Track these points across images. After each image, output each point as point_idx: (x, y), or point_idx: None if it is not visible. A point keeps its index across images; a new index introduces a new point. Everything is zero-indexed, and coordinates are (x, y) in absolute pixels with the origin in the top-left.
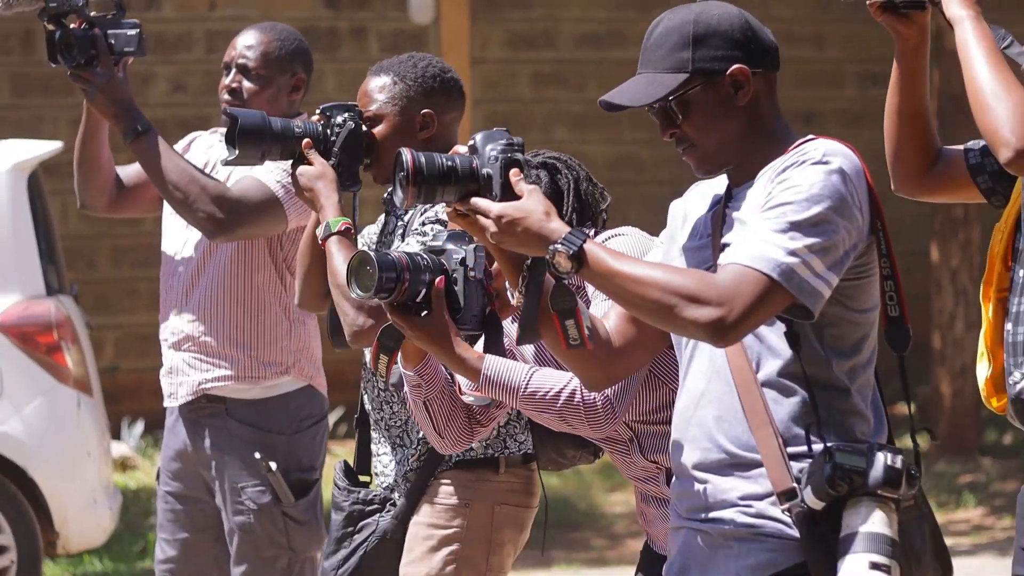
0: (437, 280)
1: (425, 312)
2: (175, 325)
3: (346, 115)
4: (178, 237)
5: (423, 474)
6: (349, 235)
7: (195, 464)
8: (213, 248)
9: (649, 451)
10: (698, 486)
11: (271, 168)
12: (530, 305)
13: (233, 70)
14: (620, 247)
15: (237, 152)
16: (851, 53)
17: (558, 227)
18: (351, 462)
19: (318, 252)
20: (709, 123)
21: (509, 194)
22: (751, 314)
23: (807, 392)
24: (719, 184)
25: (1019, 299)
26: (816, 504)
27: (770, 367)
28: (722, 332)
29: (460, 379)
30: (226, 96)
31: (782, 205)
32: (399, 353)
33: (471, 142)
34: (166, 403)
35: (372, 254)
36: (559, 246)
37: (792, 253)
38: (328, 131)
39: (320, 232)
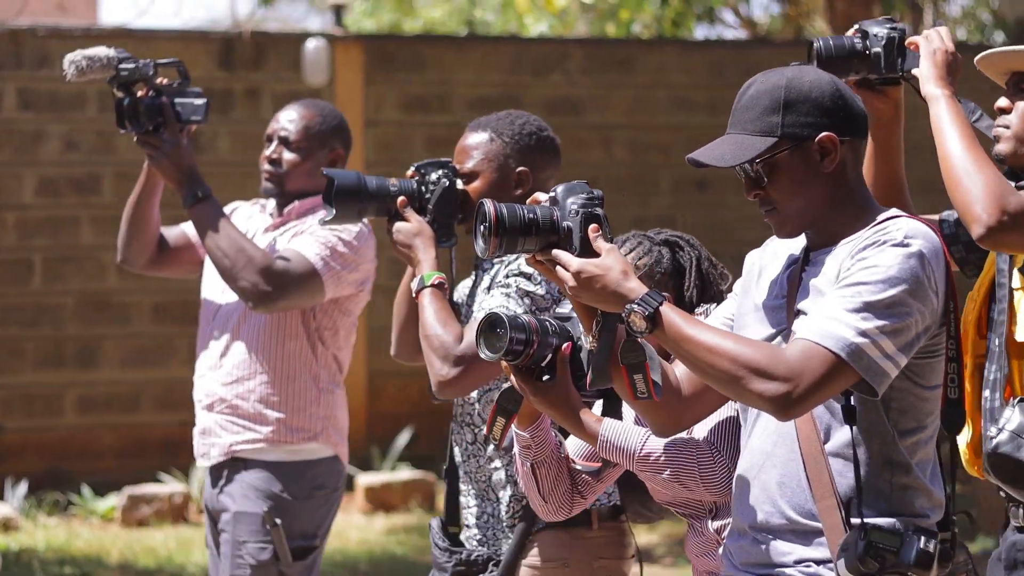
0: (564, 346)
1: (547, 377)
2: (208, 387)
3: (440, 172)
4: (216, 301)
5: (520, 535)
6: (443, 289)
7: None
8: (247, 314)
9: (720, 515)
10: (757, 545)
11: (311, 241)
12: (603, 350)
13: (275, 142)
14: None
15: (335, 212)
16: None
17: (636, 287)
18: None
19: (412, 306)
20: (794, 188)
21: (587, 248)
22: (816, 391)
23: (855, 464)
24: (797, 241)
25: (995, 366)
26: None
27: (838, 438)
28: (786, 407)
29: (570, 448)
30: (267, 166)
31: (858, 285)
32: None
33: (552, 193)
34: (199, 463)
35: (504, 316)
36: (635, 306)
37: (863, 333)
38: (423, 188)
39: (415, 285)
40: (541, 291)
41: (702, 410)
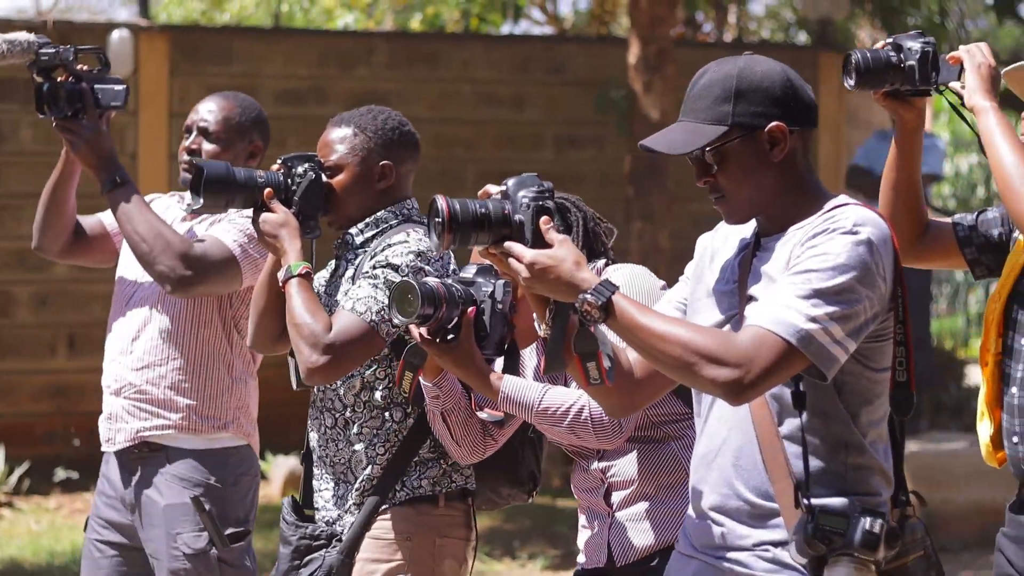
0: (469, 310)
1: (452, 337)
2: (118, 372)
3: (306, 165)
4: (130, 286)
5: (367, 510)
6: (309, 278)
7: (131, 512)
8: (163, 300)
9: (607, 457)
10: (715, 527)
11: (229, 228)
12: (556, 337)
13: (194, 132)
14: (619, 279)
15: (202, 201)
16: (550, 116)
17: (588, 277)
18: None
19: (273, 296)
20: (743, 176)
21: (539, 240)
22: (767, 377)
23: (803, 448)
24: (748, 225)
25: (1021, 365)
26: (799, 559)
27: (792, 423)
28: (738, 392)
29: (476, 397)
30: (185, 157)
31: (808, 272)
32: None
33: (503, 187)
34: (104, 448)
35: (415, 283)
36: (588, 296)
37: (812, 320)
38: (289, 180)
39: (281, 275)
40: None
41: (654, 391)
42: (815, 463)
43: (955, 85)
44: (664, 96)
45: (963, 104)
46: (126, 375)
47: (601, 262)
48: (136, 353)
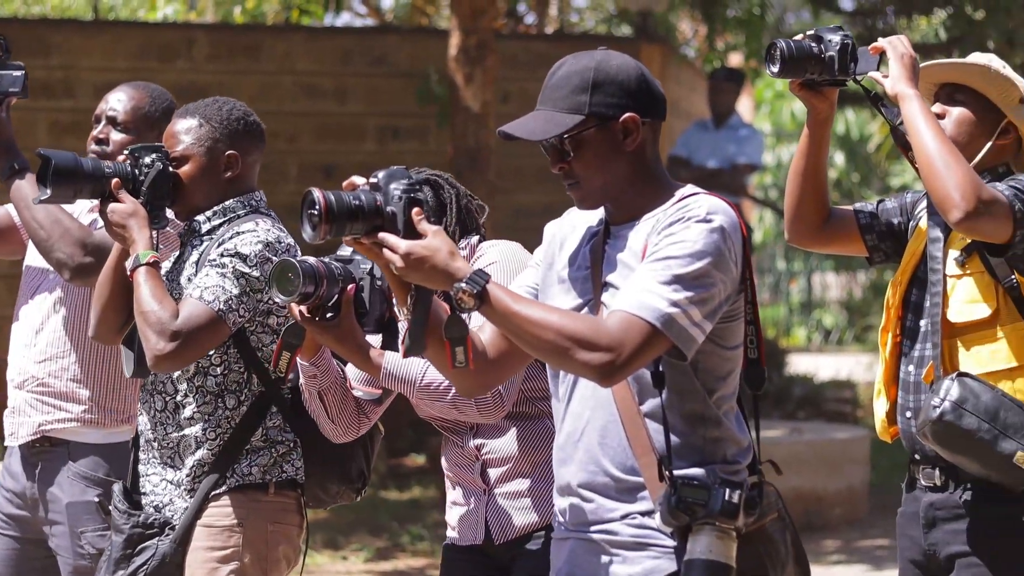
0: (348, 287)
1: (331, 315)
2: (21, 365)
3: (154, 156)
4: (36, 278)
5: (198, 497)
6: (157, 267)
7: (33, 507)
8: (67, 291)
9: (481, 434)
10: (585, 504)
11: None
12: (417, 322)
13: (103, 122)
14: (494, 255)
15: (50, 192)
16: (372, 107)
17: (462, 266)
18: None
19: (118, 286)
20: (597, 163)
21: (411, 230)
22: (636, 358)
23: (664, 424)
24: (594, 213)
25: (925, 345)
26: (665, 528)
27: (652, 401)
28: (610, 375)
29: (350, 375)
30: (94, 146)
31: (668, 259)
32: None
33: (373, 179)
34: (7, 442)
35: (295, 262)
36: (463, 285)
37: (674, 304)
38: (136, 171)
39: (129, 264)
40: (256, 273)
41: (507, 372)
42: (676, 438)
43: (876, 75)
44: (485, 87)
45: (871, 93)
46: (29, 368)
47: (475, 238)
48: (39, 346)
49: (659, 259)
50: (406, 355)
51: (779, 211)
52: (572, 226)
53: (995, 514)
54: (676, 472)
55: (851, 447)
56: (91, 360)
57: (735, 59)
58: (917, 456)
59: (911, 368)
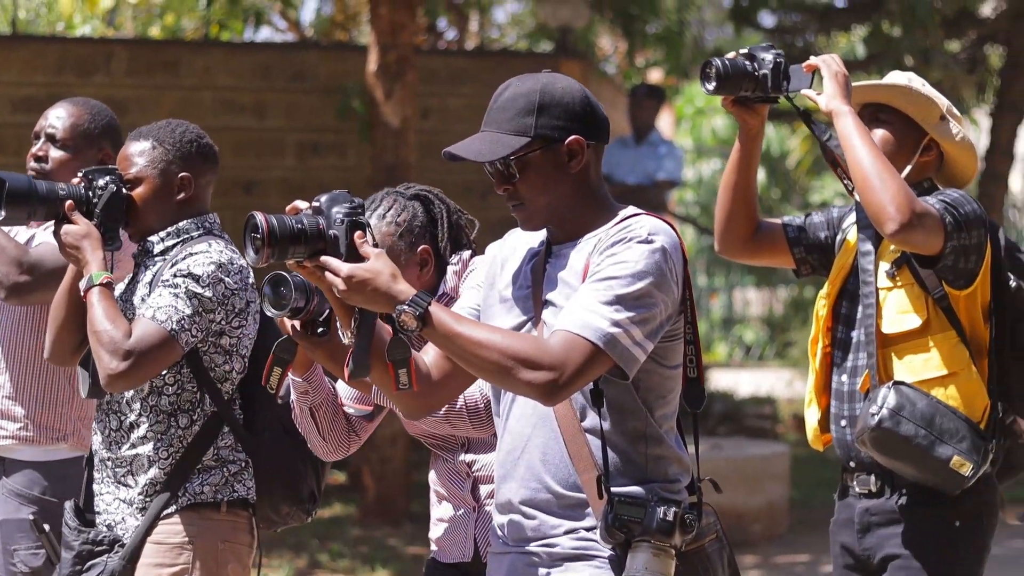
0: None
1: (322, 330)
2: None
3: (107, 178)
4: None
5: (150, 515)
6: (111, 288)
7: None
8: (3, 309)
9: (472, 450)
10: (527, 521)
11: None
12: (361, 345)
13: (42, 139)
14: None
15: (3, 214)
16: (292, 122)
17: (405, 288)
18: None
19: (72, 307)
20: (542, 185)
21: (353, 254)
22: (579, 378)
23: (602, 442)
24: (537, 234)
25: (858, 355)
26: (604, 544)
27: (593, 418)
28: (553, 394)
29: (341, 392)
30: (33, 164)
31: (610, 279)
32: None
33: (315, 203)
34: None
35: (287, 275)
36: (406, 307)
37: (616, 324)
38: (90, 193)
39: (83, 285)
40: (208, 294)
41: (452, 392)
42: (617, 455)
43: (809, 92)
44: (405, 103)
45: (801, 109)
46: None
47: (466, 253)
48: None
49: (601, 279)
50: (350, 379)
51: (700, 227)
52: (513, 247)
53: (928, 517)
54: (615, 489)
55: (771, 463)
56: (25, 378)
57: (655, 75)
58: (852, 464)
59: (844, 378)
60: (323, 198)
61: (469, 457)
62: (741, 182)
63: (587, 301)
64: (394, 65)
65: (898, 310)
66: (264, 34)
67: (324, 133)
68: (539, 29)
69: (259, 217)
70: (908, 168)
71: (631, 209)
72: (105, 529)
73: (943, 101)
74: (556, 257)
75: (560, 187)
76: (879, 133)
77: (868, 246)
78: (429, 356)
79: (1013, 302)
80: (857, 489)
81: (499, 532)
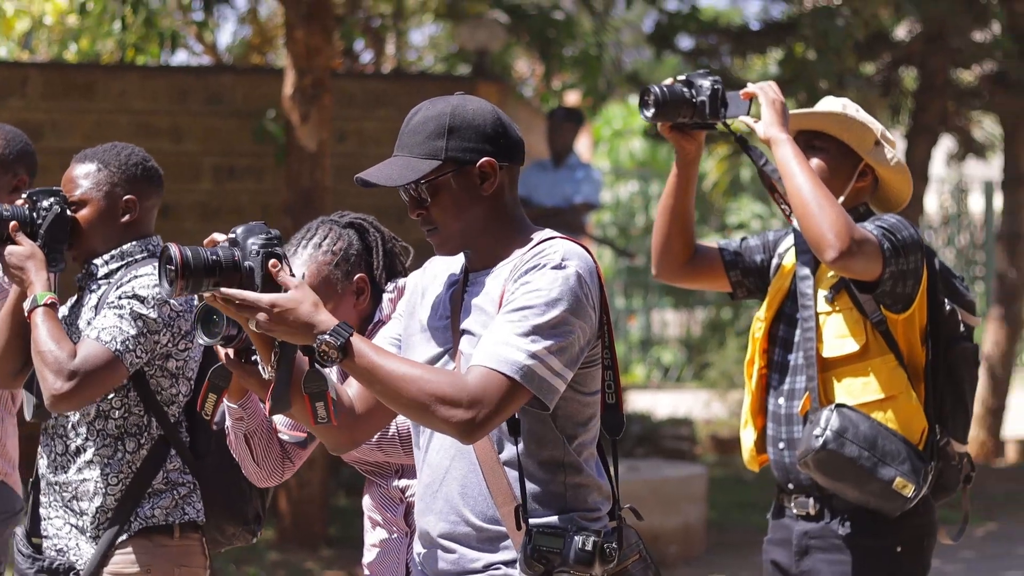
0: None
1: (256, 358)
2: None
3: (52, 199)
4: None
5: (104, 544)
6: (55, 308)
7: None
8: None
9: (406, 475)
10: (446, 555)
11: None
12: (281, 379)
13: None
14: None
15: None
16: (208, 146)
17: (326, 319)
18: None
19: (16, 329)
20: (455, 209)
21: (270, 285)
22: (497, 414)
23: (520, 472)
24: (456, 261)
25: (797, 378)
26: None
27: (511, 449)
28: (470, 432)
29: (276, 419)
30: None
31: (524, 309)
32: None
33: (231, 235)
34: None
35: None
36: (327, 337)
37: (532, 355)
38: (35, 214)
39: (27, 305)
40: (153, 315)
41: (375, 426)
42: (536, 485)
43: (747, 119)
44: (321, 127)
45: (737, 135)
46: None
47: (402, 281)
48: None
49: (515, 309)
50: (271, 413)
51: (618, 249)
52: (433, 275)
53: (872, 547)
54: (534, 520)
55: (688, 485)
56: None
57: (572, 98)
58: (790, 486)
59: (781, 400)
60: (239, 229)
61: (403, 483)
62: (678, 207)
63: (502, 333)
64: (310, 88)
65: (837, 334)
66: (180, 58)
67: (240, 157)
68: (456, 52)
69: (173, 249)
70: (844, 194)
71: (546, 233)
72: (56, 554)
73: (877, 126)
74: (473, 284)
75: (473, 210)
76: (815, 161)
77: (806, 271)
78: (353, 389)
79: (947, 325)
80: (795, 511)
81: (419, 562)
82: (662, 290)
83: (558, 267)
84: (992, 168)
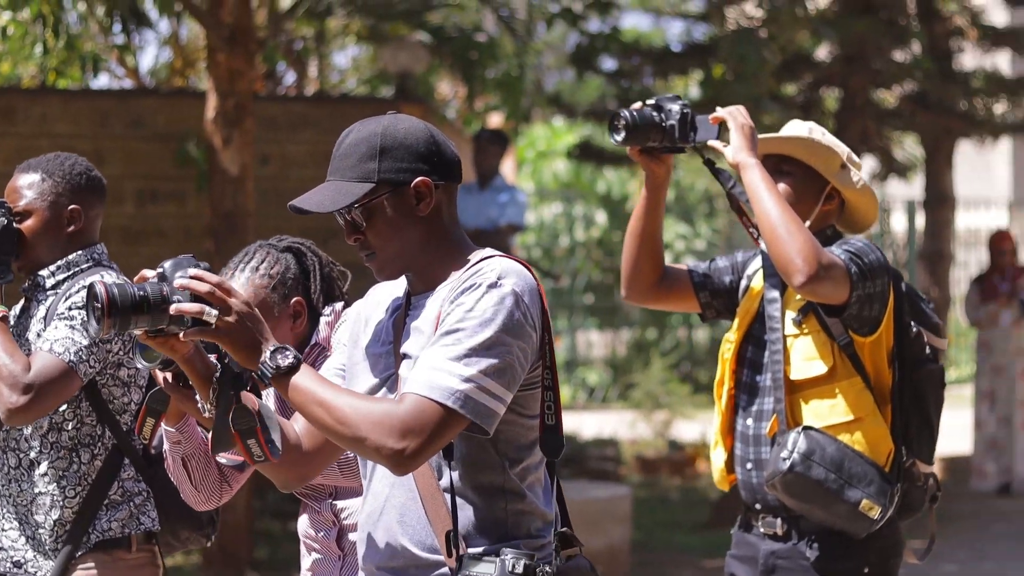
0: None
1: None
2: None
3: None
4: None
5: (62, 559)
6: (6, 321)
7: None
8: None
9: (340, 497)
10: None
11: None
12: (221, 417)
13: None
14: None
15: None
16: (130, 170)
17: (272, 339)
18: None
19: None
20: (391, 232)
21: (198, 323)
22: (431, 444)
23: (452, 498)
24: (399, 287)
25: (765, 399)
26: None
27: (450, 475)
28: (403, 463)
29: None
30: None
31: (457, 331)
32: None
33: (160, 269)
34: None
35: None
36: (267, 360)
37: (467, 380)
38: None
39: None
40: None
41: (324, 461)
42: (475, 512)
43: (716, 143)
44: (243, 150)
45: (704, 158)
46: None
47: (339, 304)
48: None
49: (448, 332)
50: (213, 453)
51: (542, 270)
52: (376, 302)
53: (839, 569)
54: (471, 549)
55: (613, 505)
56: None
57: (495, 120)
58: (758, 505)
59: (749, 421)
60: (167, 264)
61: (338, 505)
62: (647, 229)
63: (435, 358)
64: (232, 112)
65: (804, 357)
66: (102, 81)
67: (163, 180)
68: (379, 74)
69: (99, 287)
70: (811, 217)
71: (485, 252)
72: (12, 567)
73: (843, 149)
74: (415, 308)
75: (410, 232)
76: (781, 185)
77: (774, 293)
78: (299, 425)
79: (913, 348)
80: (762, 530)
81: None
82: (587, 311)
83: (493, 286)
84: (914, 188)
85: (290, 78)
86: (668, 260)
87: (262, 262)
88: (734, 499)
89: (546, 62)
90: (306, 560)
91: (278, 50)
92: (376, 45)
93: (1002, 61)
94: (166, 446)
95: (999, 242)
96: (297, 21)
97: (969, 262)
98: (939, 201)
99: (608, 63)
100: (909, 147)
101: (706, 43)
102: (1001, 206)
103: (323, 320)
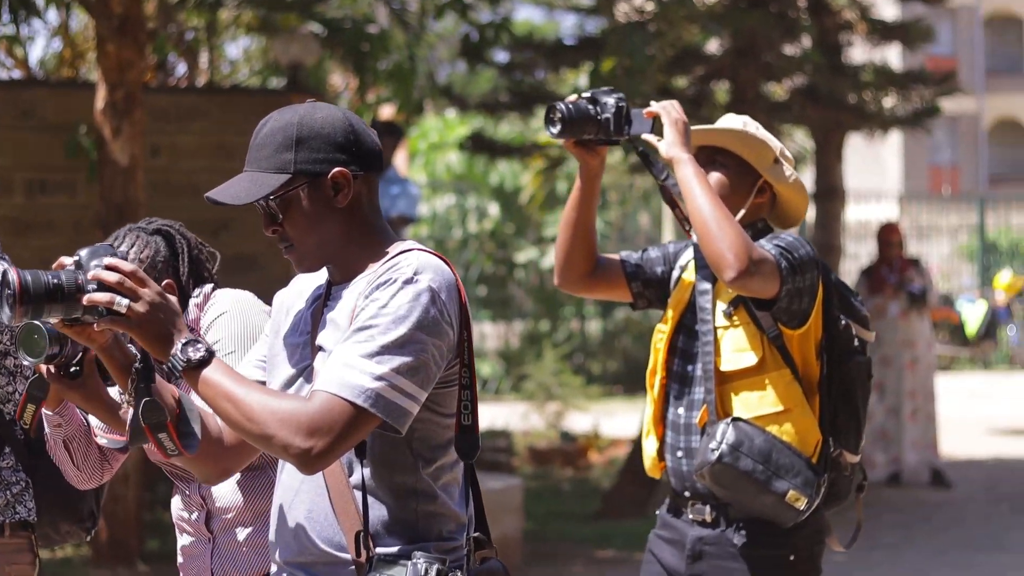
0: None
1: (75, 369)
2: None
3: None
4: None
5: None
6: None
7: None
8: None
9: (205, 485)
10: None
11: None
12: (135, 410)
13: None
14: (225, 303)
15: None
16: (19, 160)
17: (185, 331)
18: None
19: None
20: (308, 223)
21: (111, 312)
22: (339, 443)
23: (363, 497)
24: (322, 276)
25: (697, 389)
26: None
27: (360, 472)
28: (310, 463)
29: (93, 424)
30: None
31: (371, 328)
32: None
33: (76, 257)
34: None
35: (41, 324)
36: (178, 352)
37: (379, 378)
38: None
39: None
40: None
41: (247, 455)
42: (384, 512)
43: (650, 137)
44: (133, 141)
45: (639, 150)
46: None
47: (208, 287)
48: None
49: (361, 328)
50: (131, 444)
51: None
52: (298, 292)
53: (766, 556)
54: (380, 549)
55: (505, 496)
56: None
57: (387, 111)
58: (687, 493)
59: (681, 411)
60: (84, 252)
61: (205, 489)
62: (581, 219)
63: (346, 355)
64: (122, 103)
65: (734, 348)
66: None
67: (52, 171)
68: (270, 66)
69: (12, 273)
70: (743, 210)
71: (405, 244)
72: None
73: (776, 144)
74: (333, 299)
75: (329, 224)
76: (715, 176)
77: (706, 285)
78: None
79: (841, 340)
80: (691, 516)
81: None
82: (480, 303)
83: (409, 281)
84: (804, 180)
85: (181, 69)
86: None
87: (132, 246)
88: (625, 490)
89: (438, 54)
90: (180, 540)
91: (168, 41)
92: (267, 36)
93: (892, 55)
94: (47, 430)
95: (887, 234)
96: (188, 12)
97: (860, 254)
98: (829, 194)
99: (501, 55)
100: (799, 140)
101: (598, 37)
102: (891, 199)
103: (192, 302)
